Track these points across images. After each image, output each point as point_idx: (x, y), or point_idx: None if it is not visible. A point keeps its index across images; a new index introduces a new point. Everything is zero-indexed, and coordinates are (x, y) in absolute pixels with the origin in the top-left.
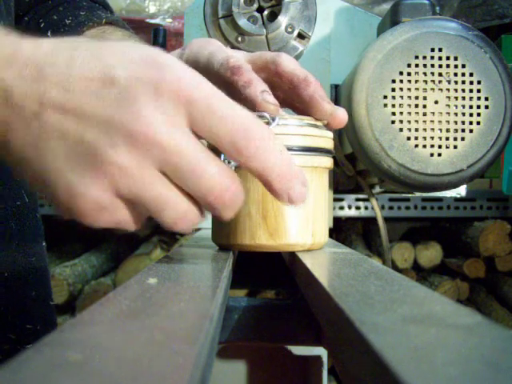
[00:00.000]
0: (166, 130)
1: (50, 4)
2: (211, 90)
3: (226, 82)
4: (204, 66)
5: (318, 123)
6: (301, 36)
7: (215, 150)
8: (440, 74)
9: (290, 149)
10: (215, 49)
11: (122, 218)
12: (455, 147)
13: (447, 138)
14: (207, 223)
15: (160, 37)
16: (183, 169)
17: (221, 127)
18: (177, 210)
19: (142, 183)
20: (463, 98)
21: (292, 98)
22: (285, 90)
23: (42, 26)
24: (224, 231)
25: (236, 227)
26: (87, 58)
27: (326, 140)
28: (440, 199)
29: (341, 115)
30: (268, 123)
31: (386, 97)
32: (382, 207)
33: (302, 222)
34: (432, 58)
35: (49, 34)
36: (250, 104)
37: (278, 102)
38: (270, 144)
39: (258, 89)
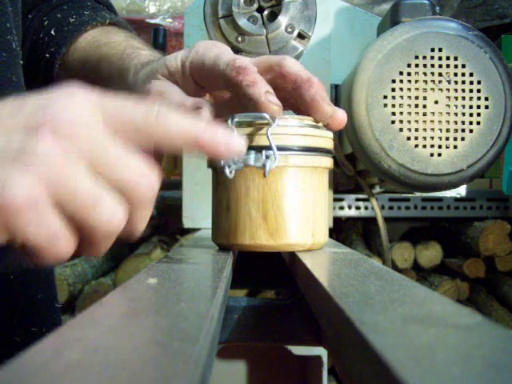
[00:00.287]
0: (86, 123)
1: (55, 2)
2: (115, 97)
3: (231, 83)
4: (209, 68)
5: (318, 123)
6: (301, 36)
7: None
8: (440, 74)
9: (290, 149)
10: (221, 51)
11: (54, 226)
12: (455, 147)
13: (447, 138)
14: (207, 223)
15: (160, 37)
16: (110, 161)
17: (130, 111)
18: (109, 206)
19: (71, 175)
20: (463, 98)
21: (294, 99)
22: (288, 90)
23: (45, 23)
24: (224, 231)
25: (236, 227)
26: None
27: (326, 140)
28: (440, 199)
29: (340, 116)
30: (268, 124)
31: (386, 97)
32: (382, 207)
33: (302, 222)
34: (432, 57)
35: (52, 31)
36: (253, 104)
37: (281, 103)
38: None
39: (262, 89)
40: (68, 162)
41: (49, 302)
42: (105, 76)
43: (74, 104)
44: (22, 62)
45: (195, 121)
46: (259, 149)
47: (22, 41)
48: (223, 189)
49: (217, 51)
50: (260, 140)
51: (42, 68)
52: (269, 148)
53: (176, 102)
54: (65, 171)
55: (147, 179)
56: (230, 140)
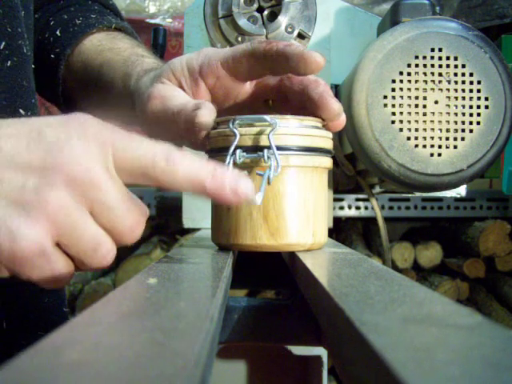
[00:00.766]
0: (99, 171)
1: (62, 4)
2: (128, 133)
3: (259, 58)
4: (227, 57)
5: (318, 124)
6: (301, 36)
7: None
8: (440, 74)
9: (290, 149)
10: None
11: (57, 267)
12: (455, 147)
13: (447, 138)
14: (207, 223)
15: (160, 37)
16: (112, 206)
17: (140, 155)
18: (106, 248)
19: (80, 222)
20: (463, 98)
21: (299, 101)
22: (294, 90)
23: (51, 23)
24: (225, 231)
25: (237, 227)
26: (12, 121)
27: (326, 140)
28: (440, 199)
29: (342, 117)
30: (270, 125)
31: (386, 97)
32: (382, 207)
33: (302, 222)
34: (432, 57)
35: (58, 32)
36: (295, 60)
37: (286, 105)
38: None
39: (296, 47)
40: (76, 208)
41: (57, 307)
42: (106, 80)
43: (86, 147)
44: (33, 66)
45: (204, 166)
46: (261, 150)
47: None
48: None
49: (227, 49)
50: (261, 142)
51: (48, 68)
52: (269, 149)
53: (178, 104)
54: (72, 217)
55: (139, 228)
56: (237, 185)
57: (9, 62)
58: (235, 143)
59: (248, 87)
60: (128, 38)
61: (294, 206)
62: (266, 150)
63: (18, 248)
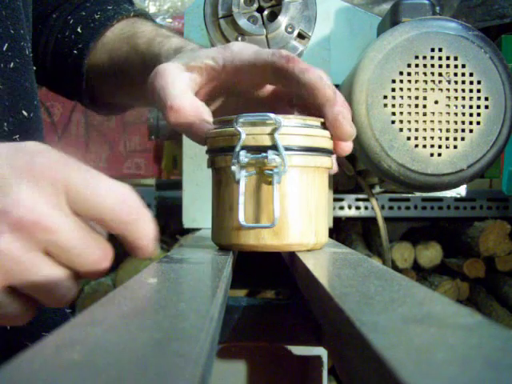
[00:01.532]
0: (47, 212)
1: (77, 1)
2: (84, 169)
3: (281, 72)
4: (250, 62)
5: (319, 123)
6: (301, 36)
7: None
8: (440, 74)
9: (291, 149)
10: (259, 48)
11: (9, 310)
12: (455, 147)
13: (447, 138)
14: (207, 223)
15: None
16: (68, 246)
17: (99, 201)
18: (65, 288)
19: (31, 265)
20: (463, 98)
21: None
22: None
23: (70, 22)
24: (227, 231)
25: (240, 227)
26: None
27: (327, 140)
28: (440, 199)
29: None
30: (274, 124)
31: (386, 97)
32: (382, 207)
33: (305, 222)
34: (432, 58)
35: (79, 29)
36: (308, 89)
37: (293, 104)
38: (145, 214)
39: (317, 74)
40: (26, 252)
41: (59, 308)
42: (134, 65)
43: (34, 188)
44: (34, 67)
45: (153, 229)
46: (264, 150)
47: (46, 41)
48: (226, 189)
49: (255, 47)
50: (265, 141)
51: (70, 65)
52: (274, 148)
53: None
54: (21, 262)
55: (104, 263)
56: (151, 242)
57: (12, 64)
58: (240, 143)
59: (269, 87)
60: (149, 21)
61: (297, 205)
62: (270, 150)
63: None
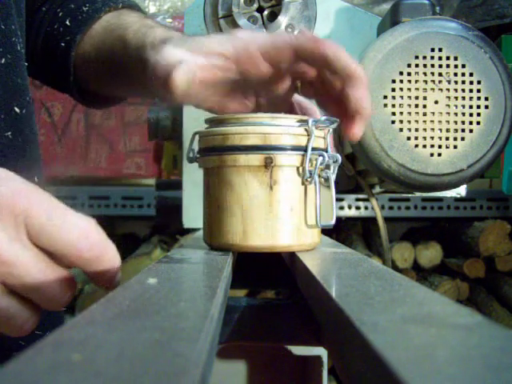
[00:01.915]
0: (5, 245)
1: None
2: (47, 200)
3: (303, 53)
4: (268, 46)
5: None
6: None
7: None
8: (440, 74)
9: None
10: (269, 33)
11: None
12: (455, 147)
13: (447, 138)
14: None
15: None
16: (25, 280)
17: (60, 236)
18: (22, 319)
19: None
20: (463, 98)
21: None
22: (333, 84)
23: (60, 14)
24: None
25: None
26: None
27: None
28: (440, 199)
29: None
30: (305, 122)
31: (386, 97)
32: (382, 207)
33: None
34: (432, 58)
35: (67, 22)
36: (340, 70)
37: (310, 89)
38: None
39: (347, 55)
40: None
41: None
42: (119, 57)
43: None
44: (26, 63)
45: (116, 263)
46: (305, 149)
47: (36, 33)
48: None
49: (263, 33)
50: (303, 142)
51: (59, 58)
52: (326, 151)
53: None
54: None
55: (66, 295)
56: (113, 276)
57: (3, 60)
58: (311, 144)
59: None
60: (135, 13)
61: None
62: (325, 153)
63: None
